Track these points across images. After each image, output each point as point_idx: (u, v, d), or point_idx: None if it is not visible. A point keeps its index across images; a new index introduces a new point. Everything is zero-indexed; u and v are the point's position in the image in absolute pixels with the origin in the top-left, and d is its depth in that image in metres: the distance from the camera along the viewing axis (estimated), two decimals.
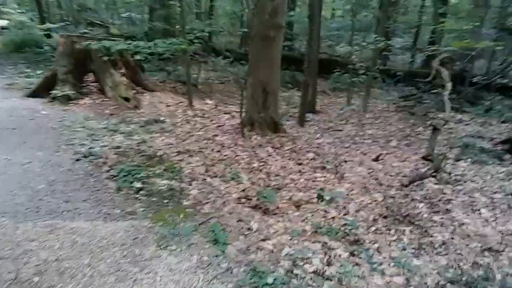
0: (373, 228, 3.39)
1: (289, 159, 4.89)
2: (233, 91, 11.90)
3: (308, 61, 6.86)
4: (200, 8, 20.55)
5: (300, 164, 4.75)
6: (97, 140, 5.25)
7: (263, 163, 4.59)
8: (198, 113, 7.27)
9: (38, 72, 9.78)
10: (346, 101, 9.95)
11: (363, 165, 5.07)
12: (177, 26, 15.42)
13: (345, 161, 5.14)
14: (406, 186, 4.33)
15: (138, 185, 3.80)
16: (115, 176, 3.97)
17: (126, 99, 7.24)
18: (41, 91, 7.41)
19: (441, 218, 3.62)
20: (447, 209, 3.79)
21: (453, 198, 4.06)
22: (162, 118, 6.58)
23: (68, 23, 9.96)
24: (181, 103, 7.88)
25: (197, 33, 11.10)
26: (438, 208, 3.83)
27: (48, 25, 9.02)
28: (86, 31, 9.92)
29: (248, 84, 5.75)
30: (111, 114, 6.74)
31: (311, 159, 5.01)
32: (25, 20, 9.66)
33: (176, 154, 4.68)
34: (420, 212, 3.74)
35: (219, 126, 6.35)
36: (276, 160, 4.74)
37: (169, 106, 7.60)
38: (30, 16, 14.91)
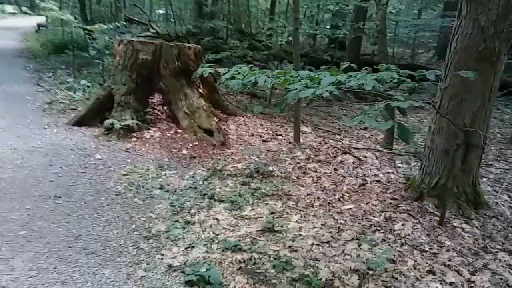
0: None
1: None
2: (310, 107, 9.62)
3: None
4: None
5: None
6: (191, 222, 3.13)
7: None
8: (310, 154, 5.07)
9: (82, 82, 7.83)
10: None
11: None
12: (230, 26, 13.30)
13: None
14: None
15: None
16: None
17: (209, 132, 5.12)
18: (92, 117, 5.40)
19: None
20: None
21: None
22: (270, 168, 4.41)
23: (117, 24, 7.92)
24: (279, 136, 5.70)
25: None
26: None
27: (100, 25, 6.98)
28: (143, 34, 7.91)
29: (434, 127, 3.50)
30: (192, 157, 4.63)
31: None
32: (67, 18, 7.67)
33: (357, 280, 2.47)
34: None
35: (362, 185, 4.12)
36: None
37: (265, 141, 5.43)
38: (70, 13, 13.15)
